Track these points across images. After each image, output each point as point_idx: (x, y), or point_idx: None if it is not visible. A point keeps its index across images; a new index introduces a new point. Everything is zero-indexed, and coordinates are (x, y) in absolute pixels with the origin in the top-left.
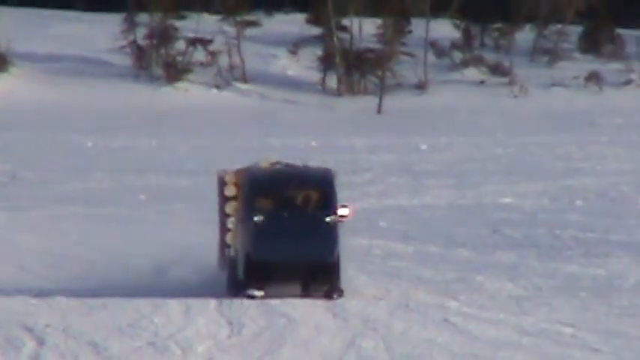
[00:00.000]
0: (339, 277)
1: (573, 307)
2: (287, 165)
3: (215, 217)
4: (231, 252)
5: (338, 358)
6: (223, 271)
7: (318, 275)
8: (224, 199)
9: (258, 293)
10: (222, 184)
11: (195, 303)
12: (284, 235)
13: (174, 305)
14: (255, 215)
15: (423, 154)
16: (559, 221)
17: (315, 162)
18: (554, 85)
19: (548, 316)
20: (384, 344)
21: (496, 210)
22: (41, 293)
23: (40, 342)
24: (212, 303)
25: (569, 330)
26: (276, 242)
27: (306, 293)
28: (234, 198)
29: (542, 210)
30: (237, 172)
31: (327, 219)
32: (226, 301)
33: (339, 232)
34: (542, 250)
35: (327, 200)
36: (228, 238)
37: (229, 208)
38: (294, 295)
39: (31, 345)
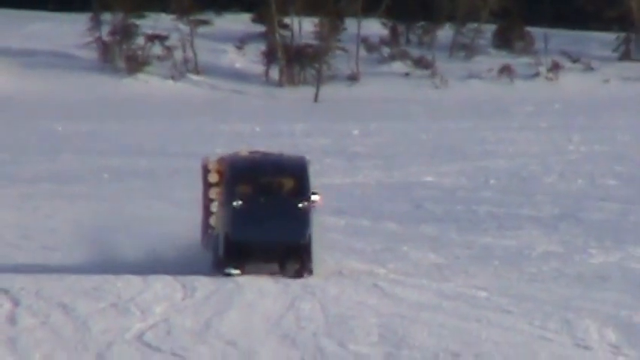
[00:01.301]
0: (310, 257)
1: (488, 274)
2: (265, 154)
3: (168, 193)
4: (214, 233)
5: (279, 317)
6: (207, 250)
7: (291, 255)
8: (207, 185)
9: (235, 271)
10: (205, 171)
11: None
12: (260, 218)
13: (133, 271)
14: (234, 200)
15: (355, 138)
16: (475, 198)
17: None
18: (470, 77)
19: (466, 281)
20: (320, 306)
21: (419, 188)
22: (16, 260)
23: (15, 303)
24: (168, 269)
25: (484, 294)
26: (253, 224)
27: (282, 272)
28: (216, 184)
29: (460, 188)
30: (220, 160)
31: (300, 204)
32: (179, 269)
33: (311, 217)
34: (460, 224)
35: (301, 186)
36: (212, 220)
37: (212, 193)
38: (272, 274)
39: (7, 306)
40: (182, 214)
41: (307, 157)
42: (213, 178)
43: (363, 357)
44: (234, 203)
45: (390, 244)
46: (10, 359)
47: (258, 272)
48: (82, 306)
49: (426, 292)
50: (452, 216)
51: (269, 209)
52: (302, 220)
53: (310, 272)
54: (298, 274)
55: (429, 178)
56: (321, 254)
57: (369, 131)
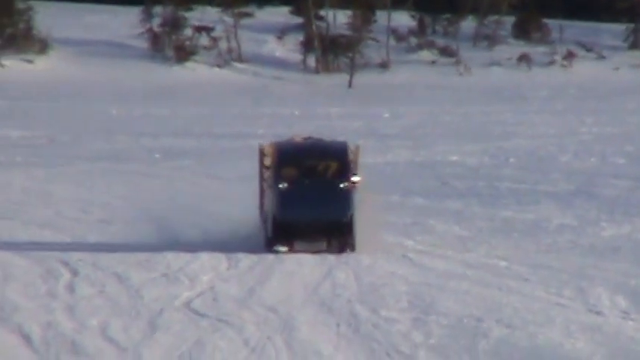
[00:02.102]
0: (352, 234)
1: (508, 245)
2: (315, 139)
3: (214, 171)
4: (265, 214)
5: (316, 285)
6: (262, 229)
7: (333, 233)
8: (263, 169)
9: (283, 249)
10: (261, 155)
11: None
12: (304, 199)
13: (183, 244)
14: (280, 182)
15: (386, 120)
16: (496, 175)
17: (299, 127)
18: (492, 64)
19: (488, 252)
20: (354, 275)
21: (445, 166)
22: (74, 233)
23: (74, 273)
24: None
25: (504, 263)
26: (297, 204)
27: (328, 249)
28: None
29: (483, 166)
30: (272, 145)
31: (341, 185)
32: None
33: (353, 196)
34: (482, 199)
35: (343, 169)
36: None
37: (268, 175)
38: (319, 251)
39: (67, 276)
40: (228, 190)
41: (357, 143)
42: (268, 161)
43: (393, 322)
44: (280, 185)
45: (418, 218)
46: (69, 324)
47: (306, 251)
48: (135, 276)
49: (451, 262)
50: (475, 192)
51: (313, 190)
52: (343, 199)
53: (352, 248)
54: (340, 250)
55: (454, 157)
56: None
57: (399, 114)
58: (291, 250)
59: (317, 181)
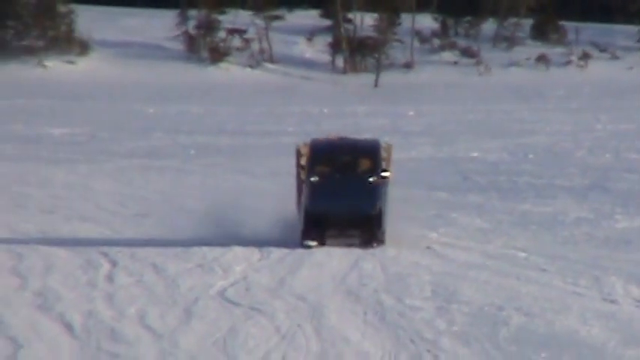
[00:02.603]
0: (380, 227)
1: (526, 237)
2: (346, 138)
3: (246, 167)
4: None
5: (344, 275)
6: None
7: (362, 225)
8: (299, 168)
9: (313, 243)
10: (298, 155)
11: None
12: (334, 192)
13: (217, 235)
14: (312, 177)
15: (410, 118)
16: (515, 170)
17: (327, 125)
18: (511, 65)
19: (507, 243)
20: (380, 266)
21: (467, 162)
22: (113, 225)
23: (113, 264)
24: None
25: (523, 254)
26: (327, 198)
27: (358, 242)
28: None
29: (503, 161)
30: (308, 143)
31: (370, 179)
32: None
33: (383, 191)
34: (502, 193)
35: (373, 165)
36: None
37: (303, 175)
38: (351, 245)
39: (106, 266)
40: (259, 185)
41: (389, 142)
42: (304, 161)
43: (417, 310)
44: (312, 179)
45: (441, 211)
46: (108, 313)
47: (337, 246)
48: (171, 266)
49: (472, 253)
50: (495, 186)
51: (343, 184)
52: (372, 193)
53: (381, 241)
54: (368, 243)
55: (475, 153)
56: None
57: (422, 112)
58: (321, 244)
59: (347, 176)
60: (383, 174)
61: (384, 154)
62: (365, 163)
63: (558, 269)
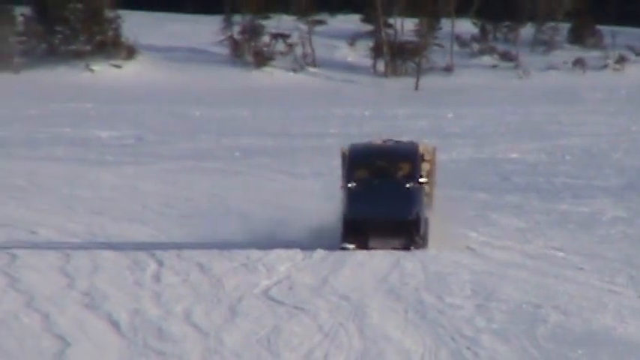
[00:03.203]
0: (418, 232)
1: (564, 236)
2: (391, 141)
3: (290, 168)
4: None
5: (386, 275)
6: None
7: (399, 230)
8: (344, 168)
9: (350, 246)
10: (344, 158)
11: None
12: (371, 198)
13: (262, 235)
14: (350, 182)
15: (450, 121)
16: (553, 171)
17: (368, 127)
18: (549, 68)
19: (545, 243)
20: (421, 265)
21: (506, 163)
22: (159, 226)
23: (160, 263)
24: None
25: (560, 254)
26: (365, 203)
27: (396, 246)
28: None
29: (541, 163)
30: (347, 148)
31: (407, 185)
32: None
33: (420, 196)
34: (541, 193)
35: (411, 170)
36: None
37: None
38: (393, 248)
39: (153, 266)
40: (302, 185)
41: (432, 143)
42: None
43: (457, 308)
44: (349, 185)
45: (481, 211)
46: (155, 311)
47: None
48: (216, 266)
49: (511, 253)
50: (534, 187)
51: (380, 190)
52: (409, 198)
53: (419, 246)
54: (406, 248)
55: (514, 155)
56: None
57: (462, 115)
58: (360, 247)
59: (385, 181)
60: (420, 179)
61: (427, 157)
62: (403, 168)
63: (595, 268)
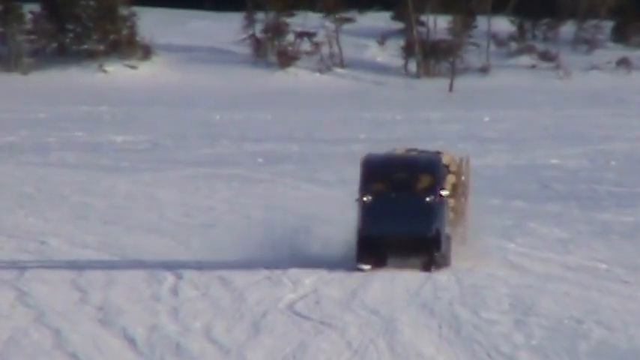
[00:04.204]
0: (438, 250)
1: (607, 247)
2: (412, 152)
3: (316, 175)
4: None
5: (418, 288)
6: None
7: (418, 248)
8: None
9: (366, 267)
10: (363, 167)
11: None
12: (388, 213)
13: (285, 247)
14: (365, 196)
15: (486, 124)
16: (596, 178)
17: (400, 132)
18: (591, 68)
19: (587, 254)
20: (455, 278)
21: (545, 169)
22: (178, 236)
23: (178, 276)
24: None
25: (604, 266)
26: (381, 219)
27: (421, 266)
28: None
29: (583, 169)
30: (364, 158)
31: (427, 199)
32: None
33: (441, 211)
34: (582, 202)
35: (433, 183)
36: None
37: None
38: (413, 268)
39: (170, 279)
40: (329, 194)
41: (467, 155)
42: None
43: (494, 324)
44: (365, 199)
45: (519, 220)
46: (173, 327)
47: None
48: (238, 278)
49: (551, 265)
50: (575, 194)
51: (397, 204)
52: (428, 214)
53: (441, 265)
54: (426, 268)
55: (554, 161)
56: (455, 231)
57: (499, 118)
58: (376, 267)
59: (403, 195)
60: (442, 192)
61: (452, 168)
62: (424, 181)
63: None
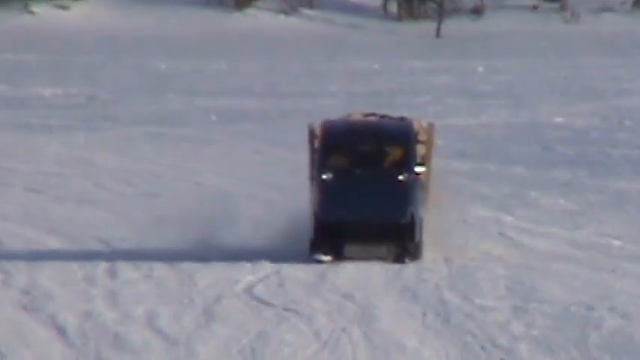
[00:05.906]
0: (412, 239)
1: (622, 221)
2: (378, 117)
3: (279, 136)
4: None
5: (399, 269)
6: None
7: (389, 237)
8: (314, 153)
9: (326, 258)
10: (312, 136)
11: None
12: (353, 194)
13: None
14: (324, 172)
15: (480, 76)
16: (609, 140)
17: (378, 84)
18: (603, 10)
19: (598, 229)
20: (443, 257)
21: (549, 129)
22: (117, 209)
23: (117, 255)
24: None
25: (617, 243)
26: (344, 201)
27: (391, 258)
28: None
29: (593, 129)
30: (320, 125)
31: (400, 177)
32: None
33: (416, 192)
34: (593, 168)
35: (405, 156)
36: None
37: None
38: (374, 258)
39: (108, 258)
40: (294, 158)
41: (432, 122)
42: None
43: (489, 311)
44: (324, 176)
45: (518, 189)
46: (110, 314)
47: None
48: (187, 258)
49: (556, 241)
50: (584, 159)
51: (364, 183)
52: (402, 195)
53: (414, 257)
54: (398, 260)
55: (560, 119)
56: (443, 201)
57: (495, 68)
58: (337, 259)
59: (370, 172)
60: (417, 169)
61: (422, 137)
62: (394, 154)
63: None
